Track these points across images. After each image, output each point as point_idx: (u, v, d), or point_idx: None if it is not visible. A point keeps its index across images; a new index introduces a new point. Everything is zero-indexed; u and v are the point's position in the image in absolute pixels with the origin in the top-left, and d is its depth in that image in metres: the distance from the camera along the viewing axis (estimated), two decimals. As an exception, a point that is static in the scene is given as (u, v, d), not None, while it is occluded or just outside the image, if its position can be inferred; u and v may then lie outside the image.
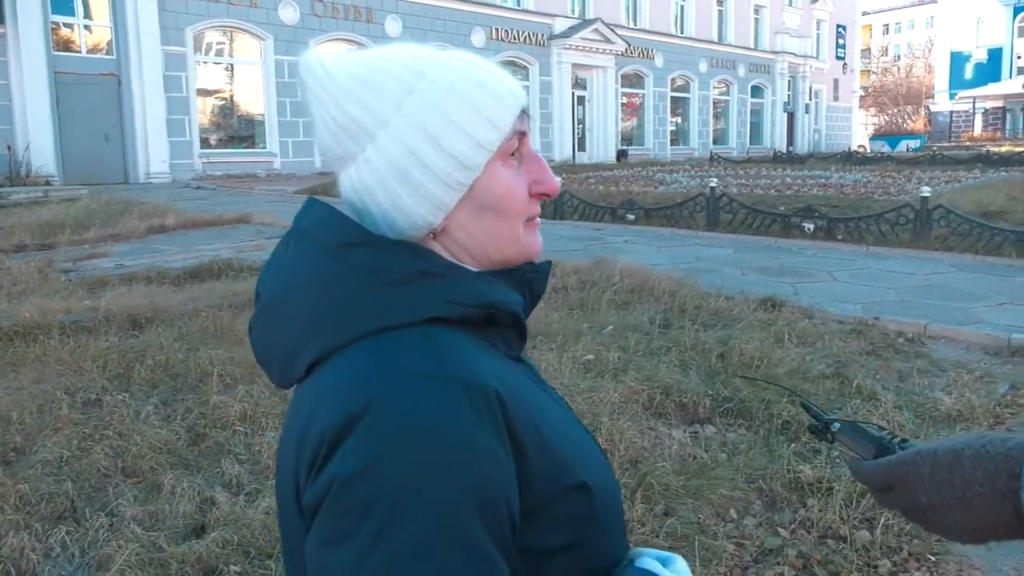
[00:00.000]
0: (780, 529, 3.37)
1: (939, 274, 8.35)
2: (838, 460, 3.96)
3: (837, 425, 0.93)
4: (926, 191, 9.64)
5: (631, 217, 12.11)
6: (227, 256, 8.04)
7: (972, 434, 0.81)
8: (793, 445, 4.02)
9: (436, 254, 0.85)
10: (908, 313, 6.70)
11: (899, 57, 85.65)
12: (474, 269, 0.87)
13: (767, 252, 9.73)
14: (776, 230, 10.73)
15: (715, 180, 11.83)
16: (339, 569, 0.71)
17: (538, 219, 0.92)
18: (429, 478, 0.71)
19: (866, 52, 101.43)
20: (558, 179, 0.94)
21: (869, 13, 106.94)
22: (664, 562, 0.89)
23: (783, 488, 3.69)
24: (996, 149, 30.89)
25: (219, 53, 22.81)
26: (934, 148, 30.95)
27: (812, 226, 10.43)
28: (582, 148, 32.14)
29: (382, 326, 0.79)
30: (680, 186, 16.45)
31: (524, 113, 0.88)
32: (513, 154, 0.87)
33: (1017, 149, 26.98)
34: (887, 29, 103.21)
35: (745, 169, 22.36)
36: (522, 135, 0.87)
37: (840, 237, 10.19)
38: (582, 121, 32.41)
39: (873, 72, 78.42)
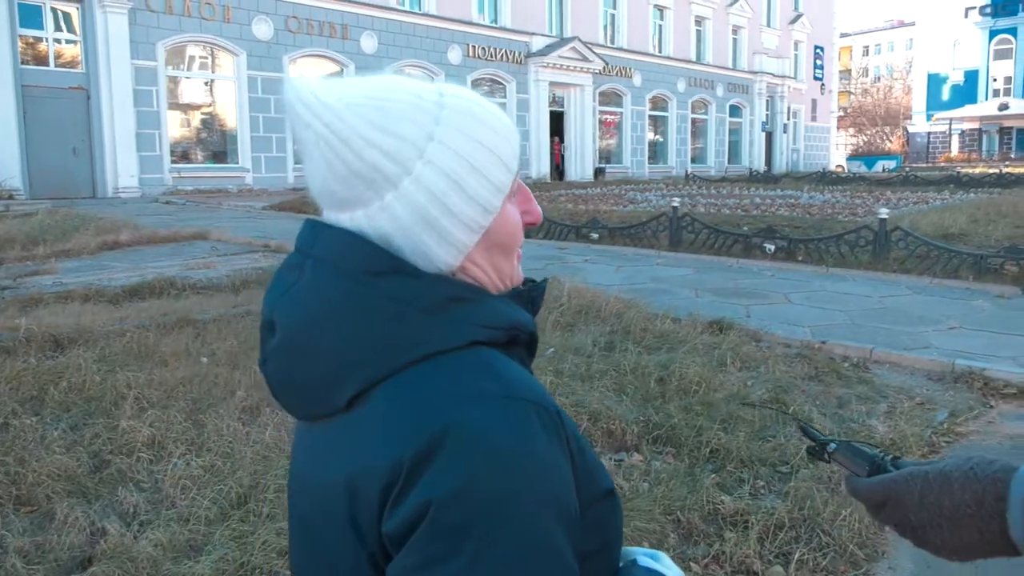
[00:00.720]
0: (692, 564, 3.26)
1: (894, 297, 8.30)
2: (762, 491, 3.86)
3: (833, 445, 0.97)
4: (884, 213, 9.60)
5: (595, 236, 12.04)
6: (172, 274, 7.88)
7: (960, 457, 0.85)
8: (716, 476, 3.92)
9: (459, 280, 0.86)
10: (857, 337, 6.62)
11: (879, 78, 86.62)
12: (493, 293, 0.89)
13: (726, 273, 9.67)
14: (738, 250, 10.68)
15: (678, 200, 11.77)
16: None
17: (520, 250, 0.94)
18: (519, 497, 0.74)
19: (846, 73, 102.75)
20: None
21: (849, 35, 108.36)
22: (654, 558, 0.96)
23: (701, 520, 3.57)
24: (967, 170, 31.15)
25: (191, 68, 22.67)
26: (907, 169, 31.17)
27: (773, 247, 10.38)
28: (561, 167, 32.19)
29: (428, 353, 0.80)
30: (650, 205, 16.42)
31: None
32: (514, 192, 0.89)
33: (990, 171, 27.19)
34: (867, 51, 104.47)
35: (718, 188, 22.40)
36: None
37: (800, 258, 10.14)
38: (560, 139, 32.44)
39: (852, 93, 79.23)
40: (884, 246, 9.54)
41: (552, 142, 31.93)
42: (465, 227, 0.83)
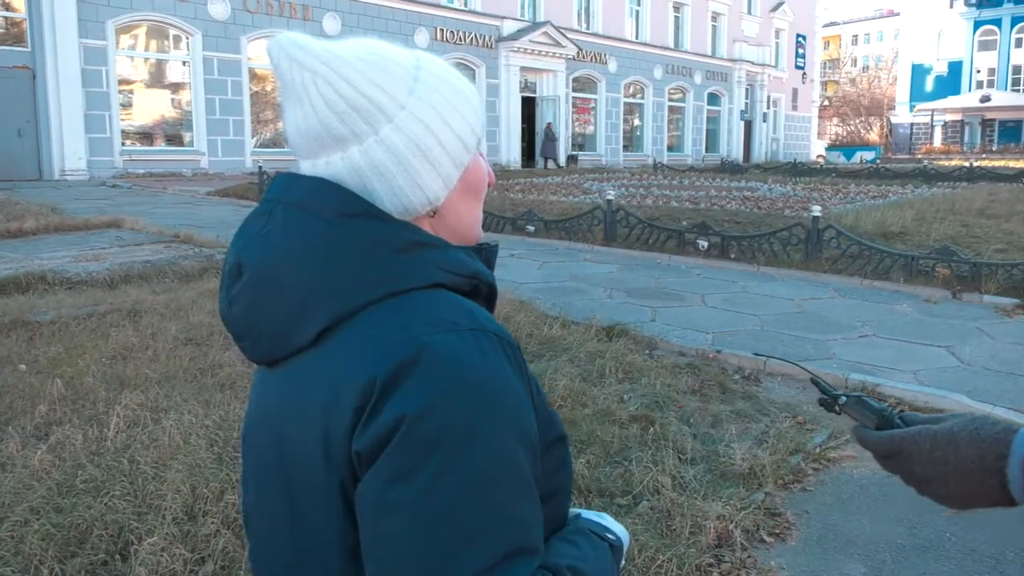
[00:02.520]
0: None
1: (816, 300, 7.92)
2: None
3: (844, 398, 1.02)
4: (816, 211, 9.19)
5: (531, 229, 11.62)
6: (53, 266, 7.43)
7: (967, 416, 0.94)
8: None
9: (423, 229, 0.90)
10: (758, 345, 6.24)
11: (866, 68, 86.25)
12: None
13: (652, 271, 9.26)
14: (671, 246, 10.27)
15: (612, 193, 11.32)
16: (407, 503, 0.75)
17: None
18: (487, 416, 0.78)
19: (835, 62, 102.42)
20: None
21: (838, 23, 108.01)
22: (599, 517, 1.04)
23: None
24: (944, 163, 30.85)
25: (144, 48, 22.07)
26: (878, 163, 30.79)
27: (706, 244, 9.98)
28: (531, 153, 31.68)
29: (396, 290, 0.84)
30: (602, 196, 15.99)
31: None
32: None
33: (961, 164, 26.85)
34: (856, 39, 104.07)
35: (681, 178, 21.98)
36: None
37: (733, 256, 9.74)
38: (531, 126, 31.92)
39: (837, 82, 78.85)
40: (816, 245, 9.16)
41: (545, 126, 31.43)
42: (451, 160, 0.89)
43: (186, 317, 5.61)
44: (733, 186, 19.07)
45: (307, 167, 0.91)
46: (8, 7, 19.74)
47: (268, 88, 24.75)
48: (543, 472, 0.87)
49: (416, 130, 0.87)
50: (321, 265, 0.83)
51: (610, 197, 10.94)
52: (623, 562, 1.04)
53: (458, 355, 0.79)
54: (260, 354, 0.91)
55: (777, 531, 3.59)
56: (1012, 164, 30.20)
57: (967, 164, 24.99)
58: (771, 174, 24.15)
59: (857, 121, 66.40)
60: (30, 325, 5.29)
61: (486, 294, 0.95)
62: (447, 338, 0.80)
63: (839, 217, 11.37)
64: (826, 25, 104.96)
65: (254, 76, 23.94)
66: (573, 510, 1.02)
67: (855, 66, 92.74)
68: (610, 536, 1.00)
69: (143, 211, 13.88)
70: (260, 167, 17.57)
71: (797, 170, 25.48)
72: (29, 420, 4.10)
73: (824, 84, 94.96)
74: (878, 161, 36.90)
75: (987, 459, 0.88)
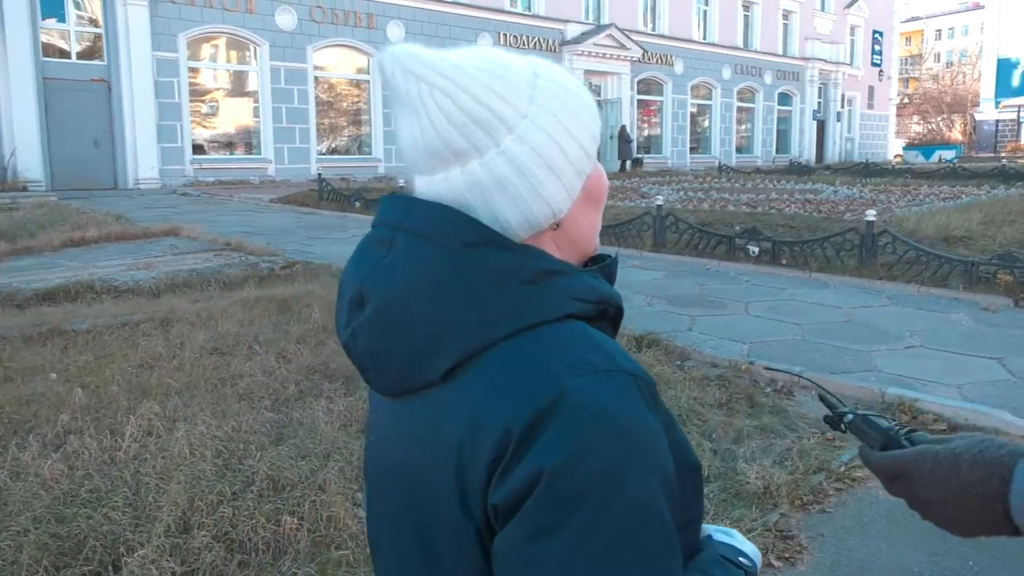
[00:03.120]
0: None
1: (867, 308, 7.63)
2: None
3: (850, 416, 0.98)
4: (871, 215, 8.86)
5: (581, 235, 11.51)
6: (105, 275, 7.68)
7: (973, 438, 0.88)
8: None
9: (550, 254, 0.87)
10: (796, 357, 6.04)
11: (950, 64, 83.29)
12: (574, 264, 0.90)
13: (699, 277, 9.07)
14: (721, 252, 10.05)
15: (661, 198, 11.14)
16: (553, 559, 0.73)
17: None
18: (629, 466, 0.75)
19: (917, 58, 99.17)
20: None
21: (920, 18, 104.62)
22: (727, 535, 1.01)
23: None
24: (1016, 163, 29.55)
25: (214, 59, 22.71)
26: (955, 163, 29.63)
27: (757, 249, 9.74)
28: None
29: (527, 324, 0.81)
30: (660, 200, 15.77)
31: None
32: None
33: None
34: (939, 34, 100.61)
35: (744, 181, 21.54)
36: None
37: (784, 262, 9.47)
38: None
39: (918, 79, 76.36)
40: (871, 251, 8.83)
41: (620, 128, 31.47)
42: (574, 169, 0.86)
43: (216, 326, 5.71)
44: (797, 188, 18.59)
45: (422, 183, 0.88)
46: (87, 22, 20.52)
47: (334, 96, 25.21)
48: (680, 501, 0.84)
49: (538, 139, 0.84)
50: (451, 299, 0.81)
51: (659, 202, 10.76)
52: None
53: (597, 402, 0.76)
54: (385, 387, 0.89)
55: (787, 555, 3.45)
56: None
57: (1051, 163, 23.90)
58: (840, 175, 23.45)
59: (939, 119, 64.11)
60: (66, 334, 5.46)
61: (612, 316, 0.92)
62: (585, 382, 0.77)
63: (900, 221, 10.96)
64: (907, 20, 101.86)
65: (319, 84, 24.40)
66: (704, 527, 1.00)
67: (938, 62, 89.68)
68: (744, 561, 0.98)
69: (205, 219, 14.27)
70: (320, 174, 17.88)
71: (869, 171, 24.68)
72: (50, 428, 4.21)
73: (906, 81, 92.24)
74: (956, 160, 35.57)
75: (990, 482, 0.83)
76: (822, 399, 1.05)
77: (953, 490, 0.85)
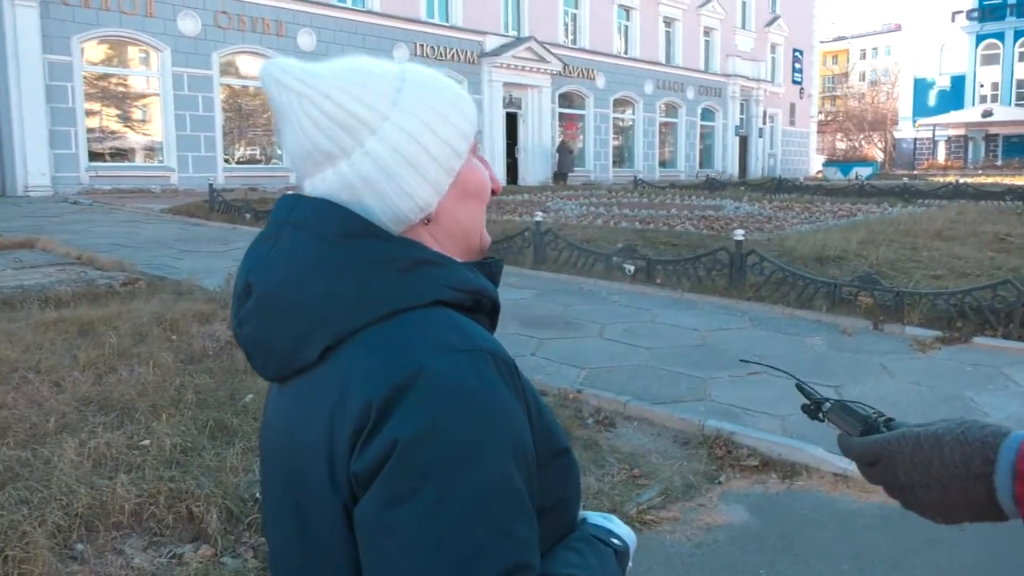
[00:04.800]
0: None
1: (725, 331, 7.47)
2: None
3: (828, 404, 0.99)
4: (739, 235, 8.74)
5: (464, 251, 11.21)
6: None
7: (953, 420, 0.86)
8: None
9: (426, 246, 0.92)
10: (633, 382, 5.81)
11: (874, 83, 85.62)
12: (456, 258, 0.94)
13: (569, 296, 8.83)
14: (600, 270, 9.84)
15: (540, 215, 10.88)
16: (406, 527, 0.77)
17: None
18: (481, 440, 0.79)
19: (843, 77, 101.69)
20: None
21: (845, 38, 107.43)
22: (606, 519, 1.05)
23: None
24: (934, 180, 30.31)
25: (111, 64, 21.86)
26: (860, 179, 30.21)
27: (633, 268, 9.55)
28: (514, 169, 31.30)
29: (396, 309, 0.86)
30: (560, 215, 15.59)
31: None
32: (474, 152, 0.97)
33: (950, 180, 26.27)
34: (864, 54, 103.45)
35: (653, 196, 21.53)
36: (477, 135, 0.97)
37: (659, 281, 9.30)
38: (515, 142, 31.56)
39: (838, 96, 78.30)
40: (740, 271, 8.71)
41: (559, 142, 31.51)
42: (438, 165, 0.91)
43: (-3, 353, 5.24)
44: (701, 204, 18.61)
45: (308, 186, 0.94)
46: (-29, 23, 19.54)
47: (242, 104, 24.55)
48: (548, 484, 0.90)
49: (399, 139, 0.89)
50: (326, 286, 0.86)
51: (539, 218, 10.52)
52: (630, 565, 1.04)
53: (453, 378, 0.81)
54: (270, 371, 0.94)
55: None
56: (1007, 180, 29.60)
57: (954, 181, 24.44)
58: (750, 191, 23.65)
59: (860, 136, 65.76)
60: None
61: (489, 309, 0.96)
62: (442, 360, 0.81)
63: (781, 240, 10.92)
64: (833, 39, 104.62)
65: (226, 92, 23.73)
66: (581, 513, 1.03)
67: (863, 80, 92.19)
68: (615, 542, 1.00)
69: (82, 230, 13.59)
70: (211, 184, 17.29)
71: (781, 187, 24.97)
72: None
73: (833, 99, 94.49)
74: (872, 177, 36.36)
75: (973, 463, 0.81)
76: (799, 388, 1.04)
77: (935, 472, 0.83)
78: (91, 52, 21.18)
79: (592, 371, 6.09)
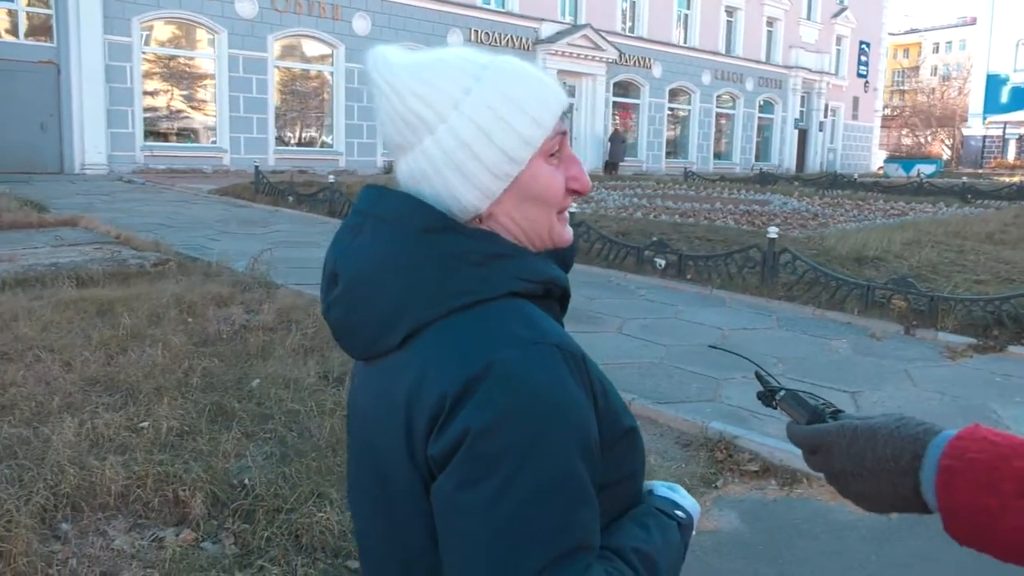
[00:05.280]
0: None
1: (750, 330, 7.31)
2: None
3: (782, 393, 1.02)
4: (772, 232, 8.53)
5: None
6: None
7: (892, 415, 0.90)
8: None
9: (503, 238, 0.97)
10: (644, 382, 5.71)
11: (946, 77, 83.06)
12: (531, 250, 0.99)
13: (596, 290, 8.73)
14: (631, 264, 9.72)
15: (574, 206, 10.78)
16: (475, 508, 0.84)
17: (567, 213, 1.05)
18: (547, 433, 0.85)
19: (914, 71, 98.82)
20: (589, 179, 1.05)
21: (918, 31, 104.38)
22: (671, 490, 1.10)
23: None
24: (1000, 179, 29.27)
25: (170, 45, 22.26)
26: (920, 177, 29.31)
27: (663, 263, 9.40)
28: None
29: (472, 301, 0.92)
30: (603, 206, 15.46)
31: (566, 115, 1.01)
32: (554, 154, 0.99)
33: (1014, 180, 25.32)
34: (937, 48, 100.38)
35: (700, 189, 21.17)
36: (563, 135, 1.00)
37: (690, 276, 9.15)
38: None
39: (908, 91, 76.12)
40: (772, 269, 8.51)
41: (612, 131, 31.60)
42: (489, 172, 0.94)
43: (17, 328, 5.37)
44: (746, 198, 18.26)
45: (397, 169, 1.01)
46: (37, 2, 20.08)
47: (295, 87, 24.82)
48: (614, 462, 0.95)
49: (451, 143, 0.93)
50: (407, 278, 0.92)
51: (572, 209, 10.41)
52: (694, 533, 1.09)
53: (522, 372, 0.86)
54: (357, 353, 1.01)
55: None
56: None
57: (1018, 181, 23.56)
58: (802, 187, 23.12)
59: (927, 132, 63.84)
60: None
61: (559, 295, 1.02)
62: (513, 353, 0.87)
63: (821, 238, 10.65)
64: (906, 32, 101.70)
65: (280, 74, 24.02)
66: (647, 483, 1.09)
67: (935, 75, 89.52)
68: (679, 514, 1.05)
69: (129, 208, 13.91)
70: (256, 166, 17.52)
71: (835, 182, 24.37)
72: None
73: (901, 93, 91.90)
74: (936, 175, 35.29)
75: (902, 458, 0.85)
76: (758, 377, 1.06)
77: (868, 463, 0.86)
78: (150, 33, 21.60)
79: (603, 367, 5.97)
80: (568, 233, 1.04)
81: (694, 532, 1.09)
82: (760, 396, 1.05)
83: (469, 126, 0.93)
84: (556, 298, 1.02)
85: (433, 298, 0.92)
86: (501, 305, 0.92)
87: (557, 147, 0.99)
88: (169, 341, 5.45)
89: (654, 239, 10.33)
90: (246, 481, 3.85)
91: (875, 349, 6.83)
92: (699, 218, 13.27)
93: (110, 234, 9.86)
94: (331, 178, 14.77)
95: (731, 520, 3.96)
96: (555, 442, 0.85)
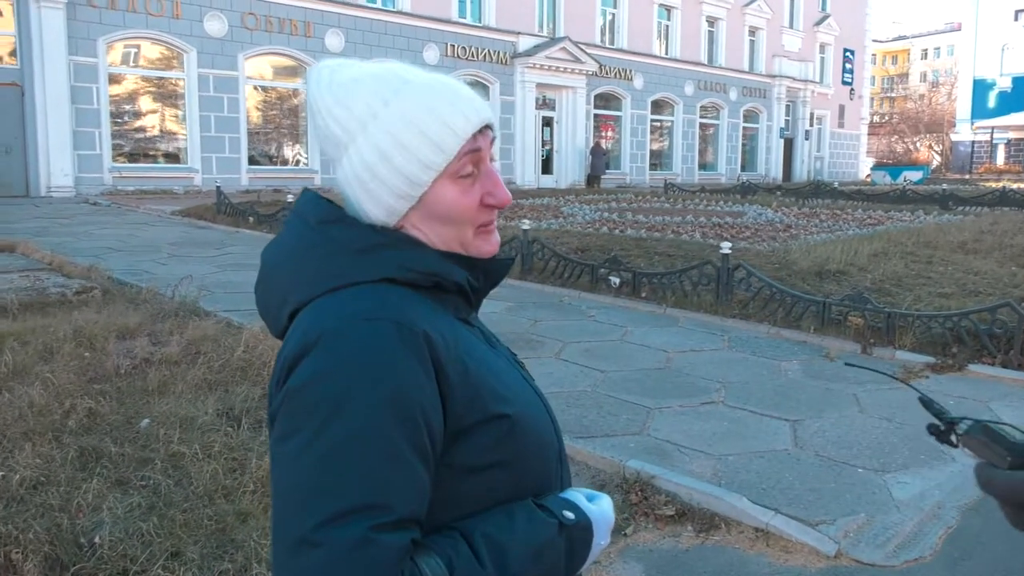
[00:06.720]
0: None
1: (697, 352, 6.94)
2: None
3: (966, 425, 0.83)
4: (726, 247, 8.16)
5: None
6: None
7: None
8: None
9: (396, 231, 1.04)
10: (568, 412, 5.33)
11: (935, 83, 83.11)
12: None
13: (543, 311, 8.35)
14: (585, 282, 9.35)
15: (527, 223, 10.41)
16: (286, 458, 0.91)
17: (492, 225, 1.09)
18: (359, 390, 0.90)
19: (902, 77, 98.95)
20: (509, 193, 1.10)
21: (907, 37, 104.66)
22: (590, 499, 1.10)
23: None
24: (986, 184, 29.01)
25: (137, 65, 21.94)
26: (904, 184, 29.03)
27: (618, 280, 9.04)
28: (548, 171, 30.83)
29: (346, 283, 0.98)
30: (574, 220, 15.10)
31: (486, 130, 1.05)
32: (468, 175, 1.04)
33: (997, 186, 25.02)
34: (925, 54, 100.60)
35: (676, 202, 20.82)
36: (475, 153, 1.03)
37: (644, 295, 8.78)
38: (548, 143, 31.08)
39: (894, 98, 76.09)
40: (727, 286, 8.15)
41: (593, 144, 31.22)
42: (392, 193, 1.01)
43: None
44: (721, 210, 17.92)
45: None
46: (-1, 25, 19.78)
47: (268, 105, 24.52)
48: (477, 445, 0.98)
49: (356, 162, 1.02)
50: (297, 262, 1.02)
51: (526, 227, 10.06)
52: (603, 541, 1.07)
53: (346, 340, 0.92)
54: (272, 331, 1.09)
55: None
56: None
57: (1001, 187, 23.24)
58: (784, 196, 22.78)
59: (915, 139, 63.70)
60: None
61: (454, 290, 1.05)
62: (345, 325, 0.93)
63: (784, 251, 10.30)
64: (894, 39, 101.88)
65: (252, 93, 23.71)
66: (569, 489, 1.11)
67: (923, 81, 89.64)
68: (567, 514, 1.03)
69: (83, 232, 13.55)
70: (218, 186, 17.17)
71: (817, 191, 24.05)
72: None
73: (892, 100, 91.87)
74: (923, 182, 35.04)
75: None
76: (925, 404, 0.88)
77: None
78: (117, 53, 21.30)
79: (530, 398, 5.62)
80: (490, 245, 1.08)
81: (602, 543, 1.07)
82: (932, 430, 0.86)
83: (373, 150, 1.00)
84: (454, 292, 1.05)
85: (311, 280, 0.99)
86: (368, 288, 0.97)
87: (470, 167, 1.03)
88: (58, 378, 5.07)
89: (610, 256, 9.97)
90: (96, 539, 3.47)
91: (826, 371, 6.46)
92: (667, 232, 12.90)
93: (44, 260, 9.48)
94: (289, 197, 14.40)
95: (635, 575, 3.58)
96: (363, 402, 0.89)
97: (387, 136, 0.99)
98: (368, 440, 0.88)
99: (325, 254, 1.00)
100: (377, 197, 1.01)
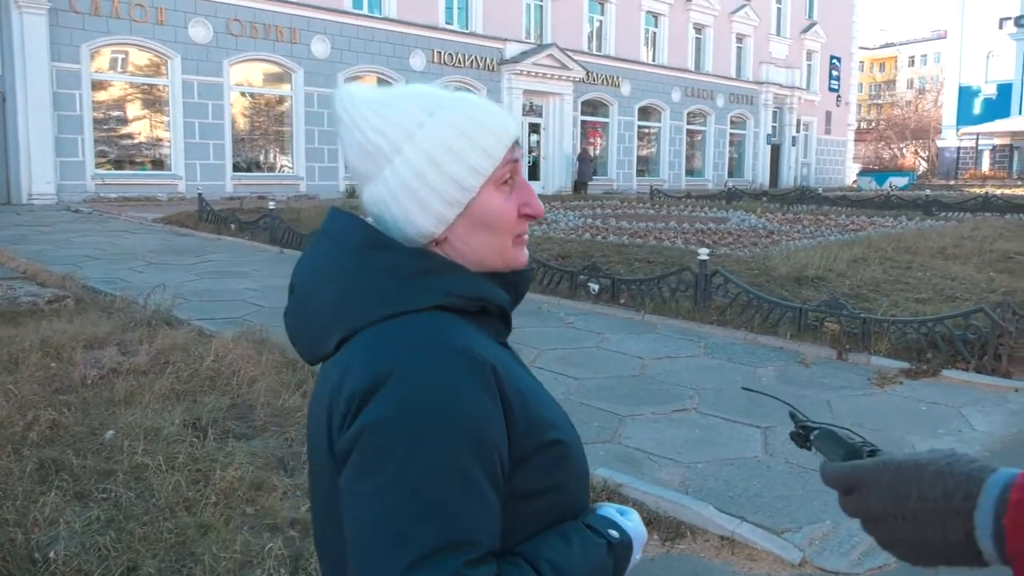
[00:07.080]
0: None
1: (673, 359, 6.92)
2: None
3: (816, 432, 0.95)
4: (703, 253, 8.16)
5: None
6: None
7: (943, 451, 0.80)
8: None
9: (439, 255, 1.04)
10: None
11: (922, 90, 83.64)
12: (471, 269, 1.05)
13: (523, 318, 8.30)
14: (565, 289, 9.33)
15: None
16: (367, 496, 0.90)
17: (525, 236, 1.10)
18: (436, 427, 0.89)
19: (890, 84, 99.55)
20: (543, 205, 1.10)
21: (894, 44, 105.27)
22: (621, 514, 1.11)
23: None
24: (970, 190, 29.17)
25: (122, 71, 21.83)
26: (888, 190, 29.15)
27: (597, 287, 9.02)
28: (535, 177, 30.82)
29: (397, 311, 0.98)
30: (554, 227, 15.09)
31: (516, 145, 1.06)
32: (506, 182, 1.05)
33: (978, 191, 25.16)
34: (912, 61, 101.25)
35: (660, 208, 20.84)
36: (515, 163, 1.06)
37: (623, 301, 8.77)
38: (535, 150, 31.09)
39: (894, 105, 76.56)
40: (704, 292, 8.14)
41: (580, 151, 31.31)
42: (442, 200, 1.01)
43: None
44: (705, 216, 17.94)
45: (362, 198, 1.08)
46: (-19, 31, 19.66)
47: (253, 112, 24.45)
48: (536, 470, 0.99)
49: (406, 173, 1.01)
50: (343, 288, 1.01)
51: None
52: (638, 556, 1.09)
53: (418, 375, 0.91)
54: (305, 357, 1.09)
55: None
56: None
57: (984, 192, 23.36)
58: (769, 202, 22.85)
59: (902, 145, 64.05)
60: None
61: (498, 313, 1.07)
62: (416, 359, 0.93)
63: (764, 257, 10.30)
64: (882, 46, 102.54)
65: (237, 99, 23.64)
66: (601, 506, 1.11)
67: (911, 88, 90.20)
68: (612, 533, 1.05)
69: (62, 240, 13.46)
70: (200, 193, 17.10)
71: (802, 197, 24.13)
72: None
73: (879, 107, 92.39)
74: (908, 188, 35.20)
75: (954, 499, 0.74)
76: (792, 416, 1.01)
77: (913, 503, 0.77)
78: (100, 60, 21.20)
79: (501, 405, 5.59)
80: (523, 256, 1.09)
81: (636, 557, 1.09)
82: (793, 436, 0.99)
83: (422, 157, 1.00)
84: (496, 316, 1.07)
85: (363, 308, 0.99)
86: (424, 317, 0.98)
87: (508, 175, 1.05)
88: (21, 389, 5.01)
89: (590, 262, 9.96)
90: (51, 554, 3.41)
91: (800, 377, 6.45)
92: (648, 239, 12.90)
93: (19, 268, 9.40)
94: (271, 204, 14.34)
95: (598, 584, 3.54)
96: (442, 437, 0.89)
97: (437, 142, 1.00)
98: (450, 476, 0.89)
99: (372, 279, 1.00)
100: (427, 204, 1.01)
